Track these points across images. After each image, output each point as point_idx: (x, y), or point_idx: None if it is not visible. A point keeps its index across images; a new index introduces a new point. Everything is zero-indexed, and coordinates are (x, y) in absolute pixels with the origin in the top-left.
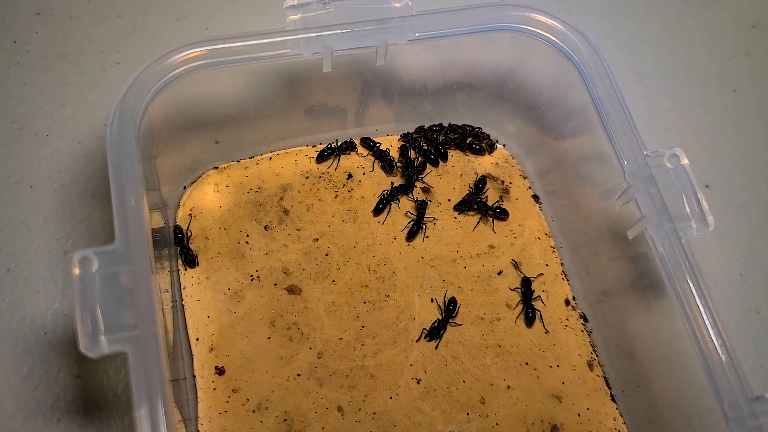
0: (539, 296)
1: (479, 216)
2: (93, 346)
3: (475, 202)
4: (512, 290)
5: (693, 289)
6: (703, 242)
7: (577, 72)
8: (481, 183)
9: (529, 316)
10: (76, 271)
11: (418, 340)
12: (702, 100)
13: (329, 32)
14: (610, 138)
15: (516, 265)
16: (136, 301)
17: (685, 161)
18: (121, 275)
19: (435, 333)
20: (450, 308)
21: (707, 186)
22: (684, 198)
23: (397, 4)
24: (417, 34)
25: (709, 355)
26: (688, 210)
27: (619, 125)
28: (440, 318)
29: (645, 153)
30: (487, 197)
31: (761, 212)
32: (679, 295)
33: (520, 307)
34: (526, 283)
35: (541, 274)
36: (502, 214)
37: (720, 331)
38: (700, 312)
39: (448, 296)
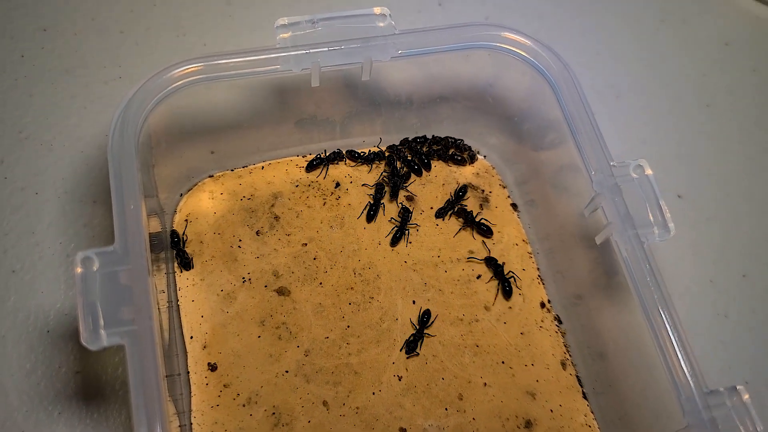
0: (511, 272)
1: (462, 224)
2: (94, 339)
3: (465, 214)
4: (488, 291)
5: (653, 291)
6: (675, 250)
7: (549, 87)
8: (461, 191)
9: (506, 289)
10: (79, 270)
11: (401, 350)
12: (677, 114)
13: (317, 50)
14: (579, 149)
15: (490, 261)
16: (134, 298)
17: (648, 171)
18: (120, 274)
19: (413, 346)
20: (424, 320)
21: (679, 196)
22: (647, 206)
23: (381, 24)
24: (399, 52)
25: (667, 352)
26: (650, 217)
27: (587, 137)
28: (414, 332)
29: (611, 163)
30: (466, 207)
31: (732, 222)
32: (641, 295)
33: (498, 308)
34: (491, 261)
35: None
36: (487, 233)
37: (677, 330)
38: (659, 312)
39: (430, 298)
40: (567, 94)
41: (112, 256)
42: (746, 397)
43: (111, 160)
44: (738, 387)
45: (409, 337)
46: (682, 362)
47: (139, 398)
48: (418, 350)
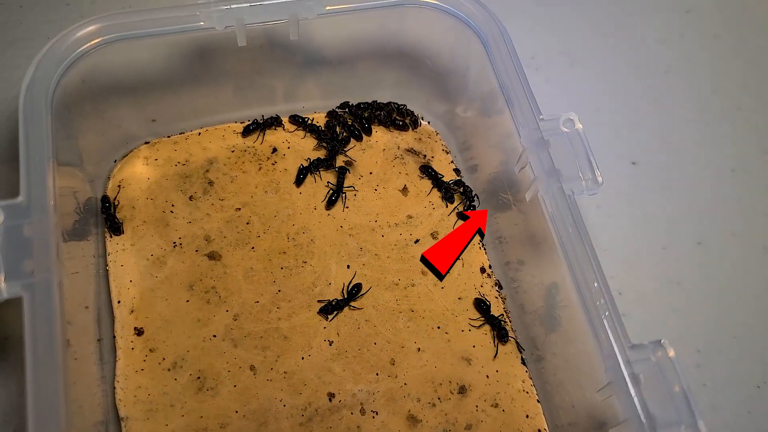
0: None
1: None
2: None
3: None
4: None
5: (575, 244)
6: (628, 216)
7: (478, 40)
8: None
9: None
10: None
11: (319, 311)
12: (633, 81)
13: (239, 5)
14: (507, 104)
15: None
16: (35, 250)
17: (579, 126)
18: (24, 227)
19: (327, 310)
20: (352, 292)
21: (634, 163)
22: (576, 159)
23: None
24: (327, 8)
25: (590, 305)
26: (579, 170)
27: (514, 92)
28: (340, 299)
29: (540, 117)
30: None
31: (687, 189)
32: (565, 251)
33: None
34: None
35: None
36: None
37: (599, 282)
38: (579, 267)
39: (366, 263)
40: (495, 48)
41: (16, 209)
42: (671, 353)
43: (21, 114)
44: (662, 341)
45: (332, 301)
46: (602, 315)
47: (32, 347)
48: (329, 318)
